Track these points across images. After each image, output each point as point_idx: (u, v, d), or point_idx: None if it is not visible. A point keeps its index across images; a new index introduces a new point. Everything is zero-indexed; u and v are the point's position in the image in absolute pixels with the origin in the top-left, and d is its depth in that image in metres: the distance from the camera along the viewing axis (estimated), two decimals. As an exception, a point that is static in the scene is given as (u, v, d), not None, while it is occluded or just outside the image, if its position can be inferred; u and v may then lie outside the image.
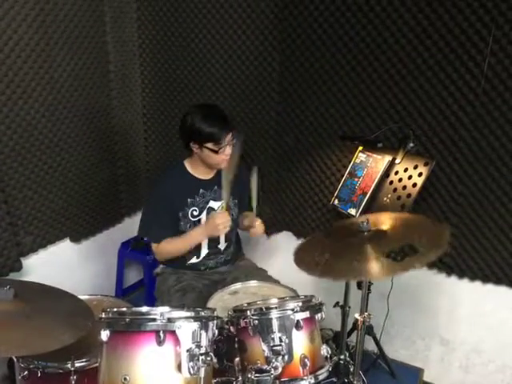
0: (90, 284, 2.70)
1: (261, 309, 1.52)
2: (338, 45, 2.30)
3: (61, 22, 2.28)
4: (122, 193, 2.85)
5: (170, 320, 1.35)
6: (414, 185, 2.03)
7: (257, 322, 1.50)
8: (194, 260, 2.24)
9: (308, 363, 1.50)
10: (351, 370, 2.04)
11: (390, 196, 2.09)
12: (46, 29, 2.22)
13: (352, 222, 1.89)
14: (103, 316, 1.40)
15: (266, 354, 1.50)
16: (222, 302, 1.94)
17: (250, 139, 2.63)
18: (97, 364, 1.45)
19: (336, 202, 2.28)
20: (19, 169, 2.23)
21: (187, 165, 2.19)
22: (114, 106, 2.69)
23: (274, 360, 1.45)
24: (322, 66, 2.36)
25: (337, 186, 2.33)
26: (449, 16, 2.05)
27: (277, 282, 2.16)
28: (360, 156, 2.26)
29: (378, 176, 2.13)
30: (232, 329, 1.58)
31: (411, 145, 2.13)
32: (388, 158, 2.14)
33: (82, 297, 1.73)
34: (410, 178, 2.06)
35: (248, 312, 1.52)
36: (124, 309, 1.45)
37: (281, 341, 1.48)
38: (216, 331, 1.46)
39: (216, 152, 2.03)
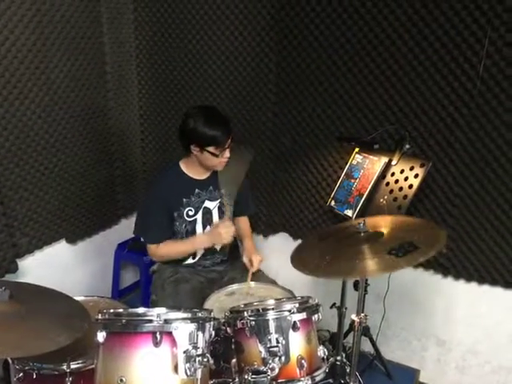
0: (86, 285, 2.69)
1: (257, 310, 1.52)
2: (335, 46, 2.31)
3: (57, 23, 2.28)
4: (118, 194, 2.85)
5: (166, 321, 1.35)
6: (411, 186, 2.03)
7: (253, 323, 1.50)
8: (190, 261, 2.25)
9: (305, 364, 1.49)
10: (348, 371, 2.04)
11: (386, 197, 2.09)
12: (43, 29, 2.21)
13: (347, 225, 1.90)
14: (99, 317, 1.40)
15: (262, 355, 1.49)
16: (218, 302, 1.94)
17: (246, 140, 2.63)
18: (93, 365, 1.44)
19: (332, 203, 2.29)
20: (15, 170, 2.22)
21: (182, 165, 2.20)
22: (111, 107, 2.68)
23: (270, 361, 1.45)
24: (318, 67, 2.37)
25: (333, 187, 2.34)
26: (445, 18, 2.06)
27: (273, 281, 2.16)
28: (356, 157, 2.26)
29: (375, 177, 2.14)
30: (229, 330, 1.58)
31: (407, 146, 2.13)
32: (384, 159, 2.14)
33: (77, 298, 1.73)
34: (406, 179, 2.06)
35: (245, 313, 1.52)
36: (120, 310, 1.44)
37: (277, 342, 1.48)
38: (213, 332, 1.46)
39: (217, 156, 2.05)
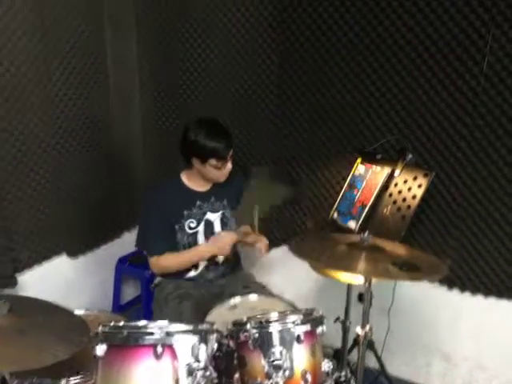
0: (87, 300, 2.65)
1: (261, 322, 1.49)
2: (336, 58, 2.32)
3: (61, 36, 2.28)
4: (119, 207, 2.83)
5: (168, 334, 1.32)
6: (414, 196, 2.02)
7: (257, 335, 1.46)
8: (192, 273, 2.23)
9: (309, 379, 1.46)
10: (353, 386, 2.00)
11: (389, 208, 2.07)
12: (46, 42, 2.21)
13: (349, 236, 1.89)
14: (100, 330, 1.37)
15: (266, 370, 1.46)
16: (220, 316, 1.90)
17: (248, 152, 2.63)
18: (92, 381, 1.41)
19: (335, 215, 2.27)
20: (16, 183, 2.21)
21: (184, 177, 2.19)
22: (113, 120, 2.68)
23: (274, 375, 1.42)
24: (320, 79, 2.38)
25: (336, 198, 2.32)
26: (446, 29, 2.08)
27: (276, 295, 2.13)
28: (359, 168, 2.25)
29: (378, 188, 2.12)
30: (231, 343, 1.54)
31: (410, 156, 2.13)
32: (387, 170, 2.13)
33: (78, 312, 1.70)
34: (409, 189, 2.05)
35: (248, 325, 1.49)
36: (121, 323, 1.41)
37: (281, 355, 1.44)
38: (215, 346, 1.43)
39: (218, 168, 2.04)
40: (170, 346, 1.31)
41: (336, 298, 2.26)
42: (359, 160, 2.26)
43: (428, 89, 2.17)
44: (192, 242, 2.18)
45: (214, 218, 2.21)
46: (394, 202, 2.08)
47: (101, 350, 1.34)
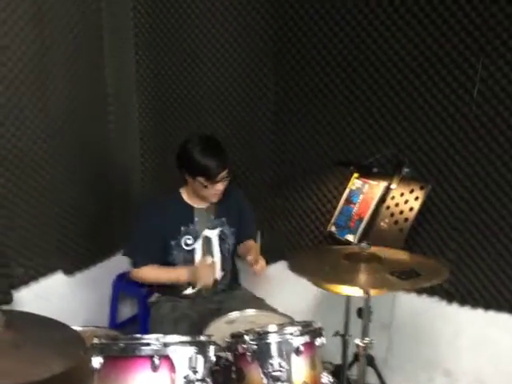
0: (83, 318, 2.60)
1: (259, 333, 1.48)
2: (332, 75, 2.35)
3: (59, 46, 2.28)
4: (117, 224, 2.82)
5: (165, 345, 1.30)
6: (411, 209, 2.03)
7: (255, 347, 1.45)
8: (189, 291, 2.20)
9: (309, 391, 1.44)
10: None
11: (387, 221, 2.08)
12: (44, 52, 2.21)
13: (347, 247, 1.89)
14: (96, 342, 1.35)
15: (264, 382, 1.44)
16: (218, 331, 1.88)
17: (245, 167, 2.65)
18: (88, 396, 1.38)
19: (333, 228, 2.27)
20: (12, 198, 2.19)
21: (183, 193, 2.19)
22: (111, 136, 2.68)
23: (273, 387, 1.40)
24: (316, 95, 2.41)
25: (333, 213, 2.32)
26: (438, 45, 2.11)
27: (274, 309, 2.11)
28: (356, 182, 2.26)
29: (375, 202, 2.14)
30: (229, 356, 1.52)
31: (406, 170, 2.15)
32: (384, 183, 2.15)
33: (74, 328, 1.68)
34: (406, 202, 2.06)
35: (246, 337, 1.47)
36: (117, 334, 1.40)
37: (280, 366, 1.42)
38: (213, 357, 1.41)
39: (206, 187, 2.04)
40: (167, 357, 1.30)
41: (335, 313, 2.24)
42: (356, 175, 2.27)
43: (422, 103, 2.20)
44: (189, 258, 2.17)
45: (213, 234, 2.19)
46: (392, 215, 2.08)
47: (97, 362, 1.32)
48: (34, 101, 2.22)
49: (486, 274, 2.22)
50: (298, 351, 1.46)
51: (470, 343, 2.35)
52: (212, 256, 2.20)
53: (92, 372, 1.34)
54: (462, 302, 2.30)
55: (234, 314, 1.99)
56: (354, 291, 1.94)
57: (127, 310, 3.00)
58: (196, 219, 2.16)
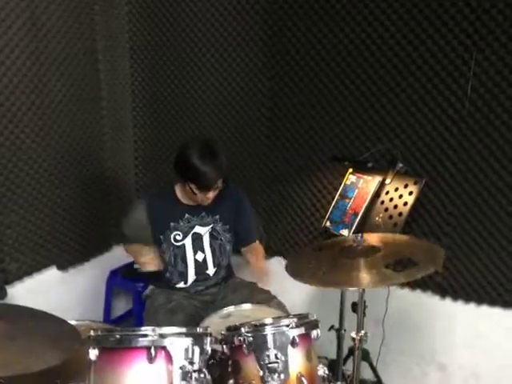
0: (77, 313, 2.59)
1: (255, 325, 1.48)
2: (326, 70, 2.36)
3: (53, 49, 2.31)
4: (111, 220, 2.82)
5: (161, 336, 1.30)
6: (405, 203, 2.04)
7: (251, 338, 1.45)
8: (181, 285, 2.21)
9: (305, 382, 1.44)
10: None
11: (381, 215, 2.09)
12: (39, 55, 2.25)
13: (344, 240, 1.89)
14: (92, 334, 1.35)
15: (261, 374, 1.44)
16: (214, 325, 1.88)
17: (240, 164, 2.65)
18: (84, 388, 1.38)
19: (328, 223, 2.28)
20: (6, 193, 2.20)
21: (177, 189, 2.19)
22: (105, 132, 2.70)
23: (269, 379, 1.40)
24: (311, 91, 2.42)
25: (328, 208, 2.33)
26: (432, 41, 2.13)
27: (267, 292, 2.15)
28: (350, 178, 2.27)
29: (369, 196, 2.14)
30: (225, 349, 1.52)
31: (400, 165, 2.16)
32: (378, 178, 2.16)
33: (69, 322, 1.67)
34: (400, 197, 2.07)
35: (242, 329, 1.47)
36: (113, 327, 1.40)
37: (276, 358, 1.43)
38: (209, 349, 1.41)
39: (194, 194, 2.04)
40: (164, 349, 1.30)
41: (330, 309, 2.25)
42: (350, 170, 2.28)
43: (416, 99, 2.21)
44: (180, 254, 2.17)
45: (204, 231, 2.19)
46: (386, 210, 2.10)
47: (93, 354, 1.31)
48: (30, 99, 2.23)
49: (478, 268, 2.24)
50: (294, 343, 1.46)
51: (463, 338, 2.36)
52: (203, 252, 2.20)
53: (88, 364, 1.33)
54: (455, 296, 2.32)
55: (230, 309, 1.99)
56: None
57: (121, 306, 3.00)
58: (186, 216, 2.16)
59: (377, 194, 2.14)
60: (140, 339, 1.29)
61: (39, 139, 2.30)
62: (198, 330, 1.39)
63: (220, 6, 2.52)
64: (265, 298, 2.11)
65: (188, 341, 1.33)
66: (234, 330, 1.51)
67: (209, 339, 1.41)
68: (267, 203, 2.66)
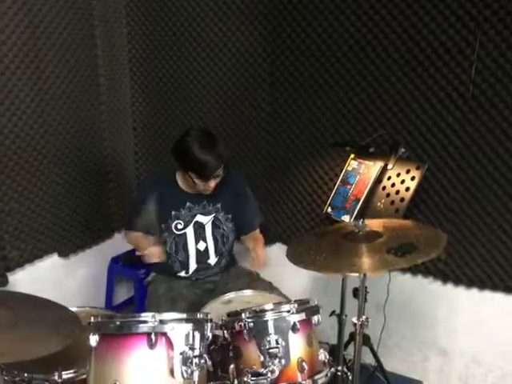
0: (79, 301, 2.60)
1: (256, 311, 1.48)
2: (328, 54, 2.33)
3: (51, 34, 2.28)
4: (111, 207, 2.81)
5: (162, 322, 1.30)
6: (407, 189, 2.02)
7: (252, 324, 1.45)
8: (183, 274, 2.21)
9: (306, 367, 1.44)
10: (350, 381, 1.98)
11: (383, 201, 2.07)
12: (36, 41, 2.22)
13: (345, 226, 1.87)
14: (92, 320, 1.35)
15: (261, 359, 1.44)
16: (215, 311, 1.88)
17: (241, 150, 2.63)
18: (85, 376, 1.39)
19: (329, 209, 2.26)
20: (6, 181, 2.19)
21: (178, 177, 2.17)
22: (104, 120, 2.67)
23: (270, 363, 1.40)
24: (311, 76, 2.38)
25: (329, 194, 2.32)
26: (435, 24, 2.09)
27: (269, 283, 2.15)
28: (352, 163, 2.25)
29: (371, 182, 2.12)
30: (226, 334, 1.52)
31: (402, 150, 2.14)
32: (380, 163, 2.13)
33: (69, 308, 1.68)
34: (402, 182, 2.05)
35: (243, 315, 1.47)
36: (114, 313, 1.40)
37: (277, 343, 1.43)
38: (210, 334, 1.41)
39: (194, 183, 2.02)
40: (164, 334, 1.30)
41: (331, 294, 2.25)
42: (352, 155, 2.26)
43: (419, 83, 2.18)
44: (181, 243, 2.16)
45: (206, 220, 2.18)
46: (388, 195, 2.08)
47: (93, 340, 1.32)
48: (28, 86, 2.21)
49: (480, 254, 2.23)
50: (294, 328, 1.46)
51: (464, 323, 2.37)
52: (205, 242, 2.19)
53: (89, 350, 1.33)
54: (457, 281, 2.32)
55: (231, 295, 1.99)
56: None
57: (123, 293, 3.01)
58: (188, 204, 2.14)
59: (378, 180, 2.12)
60: (140, 325, 1.29)
61: (38, 126, 2.29)
62: (199, 315, 1.39)
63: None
64: (266, 287, 2.12)
65: (188, 326, 1.33)
66: (234, 315, 1.52)
67: (209, 325, 1.41)
68: (268, 189, 2.65)
